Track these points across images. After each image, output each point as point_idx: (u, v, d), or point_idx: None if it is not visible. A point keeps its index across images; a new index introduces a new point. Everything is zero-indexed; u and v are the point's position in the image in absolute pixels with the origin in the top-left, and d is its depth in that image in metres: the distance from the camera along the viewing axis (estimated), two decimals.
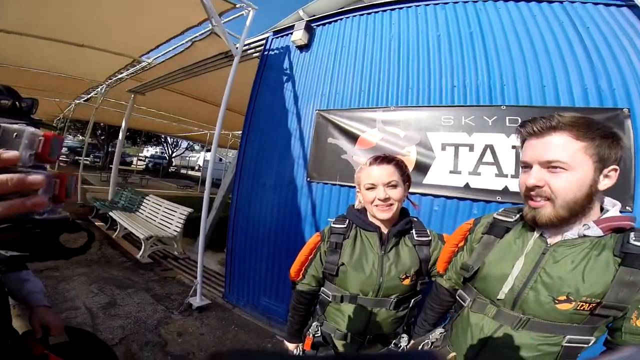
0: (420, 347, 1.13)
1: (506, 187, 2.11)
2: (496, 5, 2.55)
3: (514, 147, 2.12)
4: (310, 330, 1.32)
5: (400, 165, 1.19)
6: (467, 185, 2.23)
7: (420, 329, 1.21)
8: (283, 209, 3.10)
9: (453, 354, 0.98)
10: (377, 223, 1.22)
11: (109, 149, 21.38)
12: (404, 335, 1.26)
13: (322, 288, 1.30)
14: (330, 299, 1.25)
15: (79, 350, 1.13)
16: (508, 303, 0.87)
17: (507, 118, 2.17)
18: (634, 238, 0.76)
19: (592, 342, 0.80)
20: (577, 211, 0.78)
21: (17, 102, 1.05)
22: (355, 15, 3.20)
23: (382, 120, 2.64)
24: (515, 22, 2.44)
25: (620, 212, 1.87)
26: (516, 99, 2.25)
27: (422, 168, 2.41)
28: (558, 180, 0.77)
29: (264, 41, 3.83)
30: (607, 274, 0.76)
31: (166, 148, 26.71)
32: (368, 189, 1.16)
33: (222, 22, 3.28)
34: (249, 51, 3.99)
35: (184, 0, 3.07)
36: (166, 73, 5.33)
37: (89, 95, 8.12)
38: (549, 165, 0.78)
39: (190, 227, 5.05)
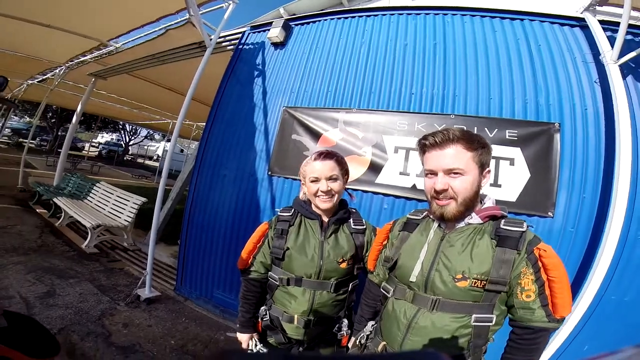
0: (358, 341, 1.23)
1: None
2: (463, 18, 2.78)
3: None
4: (259, 314, 1.39)
5: (340, 161, 1.32)
6: (414, 187, 2.41)
7: (359, 325, 1.29)
8: (242, 202, 3.10)
9: (383, 343, 1.09)
10: (319, 212, 1.34)
11: (59, 133, 19.73)
12: (345, 320, 1.36)
13: (270, 273, 1.37)
14: (277, 283, 1.33)
15: (18, 336, 1.08)
16: (421, 286, 1.01)
17: (454, 126, 2.36)
18: (503, 223, 0.96)
19: (494, 319, 0.94)
20: (469, 205, 0.98)
21: None
22: (332, 18, 3.33)
23: (344, 120, 2.77)
24: (477, 36, 2.67)
25: (540, 216, 2.14)
26: (465, 109, 2.47)
27: (375, 168, 2.55)
28: (457, 182, 0.96)
29: (239, 35, 3.85)
30: (488, 254, 0.94)
31: (123, 135, 25.21)
32: (312, 181, 1.28)
33: (200, 12, 3.24)
34: (223, 43, 3.98)
35: None
36: (133, 59, 5.12)
37: (44, 77, 7.57)
38: (450, 172, 0.96)
39: (143, 218, 4.85)
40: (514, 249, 0.92)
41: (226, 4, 3.30)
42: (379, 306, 1.25)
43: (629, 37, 2.27)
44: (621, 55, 2.13)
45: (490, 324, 0.95)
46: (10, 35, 4.69)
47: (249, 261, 1.38)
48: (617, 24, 2.15)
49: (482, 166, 0.98)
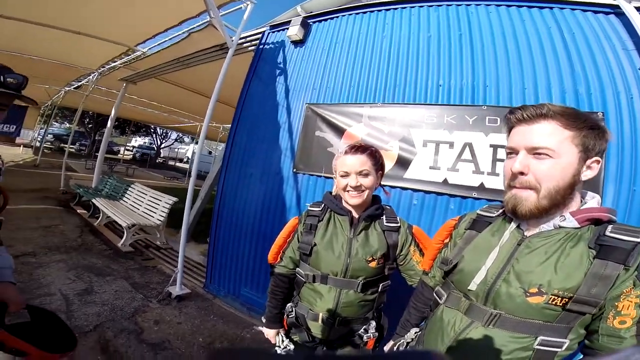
0: (395, 348, 1.13)
1: (482, 183, 2.18)
2: (488, 9, 2.64)
3: (491, 145, 2.20)
4: (285, 310, 1.38)
5: (373, 155, 1.25)
6: (445, 181, 2.30)
7: (402, 329, 1.19)
8: (269, 200, 3.13)
9: None
10: (349, 208, 1.28)
11: (96, 138, 20.99)
12: (372, 322, 1.31)
13: (297, 269, 1.35)
14: (304, 279, 1.30)
15: (39, 331, 1.11)
16: (481, 296, 0.84)
17: (487, 118, 2.26)
18: (610, 230, 0.73)
19: (566, 345, 0.74)
20: (558, 201, 0.76)
21: (1, 77, 1.07)
22: (351, 14, 3.27)
23: (368, 115, 2.71)
24: (504, 26, 2.53)
25: None
26: (497, 99, 2.34)
27: (403, 163, 2.47)
28: (542, 165, 0.75)
29: (259, 35, 3.87)
30: (581, 267, 0.73)
31: (155, 139, 26.33)
32: (342, 176, 1.23)
33: (220, 14, 3.28)
34: (244, 44, 4.02)
35: None
36: (160, 63, 5.29)
37: (79, 83, 8.02)
38: (535, 152, 0.76)
39: (174, 217, 5.03)
40: (621, 263, 0.69)
41: (244, 4, 3.34)
42: (428, 312, 1.11)
43: None
44: None
45: (559, 349, 0.74)
46: (48, 44, 4.97)
47: (279, 256, 1.38)
48: None
49: (586, 152, 0.75)
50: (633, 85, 2.10)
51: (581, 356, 0.76)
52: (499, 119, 2.21)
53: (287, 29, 3.46)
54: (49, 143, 17.98)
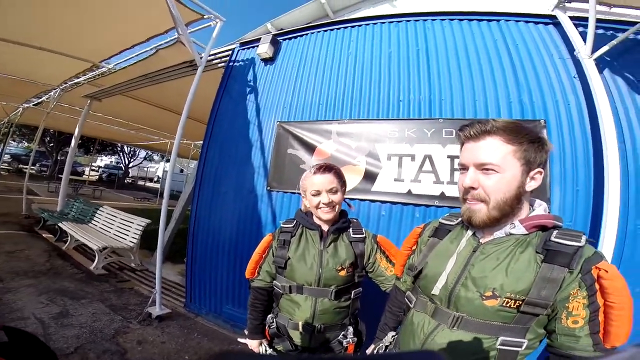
0: (376, 351, 1.19)
1: (443, 192, 2.37)
2: (442, 23, 2.86)
3: (449, 156, 2.39)
4: (266, 321, 1.46)
5: (338, 174, 1.39)
6: (409, 192, 2.47)
7: (381, 333, 1.25)
8: (244, 218, 3.17)
9: None
10: (319, 222, 1.41)
11: (58, 158, 19.81)
12: (350, 327, 1.42)
13: (274, 281, 1.45)
14: (281, 291, 1.40)
15: (17, 352, 1.07)
16: (444, 300, 0.89)
17: (444, 130, 2.45)
18: (555, 235, 0.78)
19: (525, 344, 0.79)
20: (507, 211, 0.82)
21: None
22: (319, 31, 3.40)
23: (337, 132, 2.84)
24: (457, 40, 2.74)
25: None
26: (452, 112, 2.53)
27: (370, 177, 2.62)
28: (489, 181, 0.81)
29: (229, 52, 3.92)
30: (529, 271, 0.78)
31: (122, 157, 24.99)
32: (314, 195, 1.35)
33: (189, 31, 3.31)
34: (214, 61, 4.04)
35: (151, 9, 3.09)
36: (127, 79, 5.22)
37: (39, 100, 7.65)
38: (482, 167, 0.82)
39: (148, 239, 4.96)
40: (565, 266, 0.75)
41: (213, 22, 3.36)
42: (402, 316, 1.16)
43: (601, 31, 2.33)
44: (595, 49, 2.19)
45: (520, 349, 0.80)
46: (3, 58, 4.78)
47: (256, 270, 1.47)
48: (588, 19, 2.20)
49: (528, 164, 0.81)
50: (570, 93, 2.33)
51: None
52: (454, 131, 2.40)
53: (257, 46, 3.54)
54: (6, 164, 16.83)
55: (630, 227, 2.01)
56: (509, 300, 0.78)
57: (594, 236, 2.00)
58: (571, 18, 2.44)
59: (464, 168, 0.88)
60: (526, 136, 0.81)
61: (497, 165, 0.80)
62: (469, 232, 0.93)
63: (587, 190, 2.15)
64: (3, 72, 5.60)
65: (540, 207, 0.88)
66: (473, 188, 0.84)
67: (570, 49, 2.40)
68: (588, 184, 2.16)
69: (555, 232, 0.80)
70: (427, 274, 0.97)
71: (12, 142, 20.49)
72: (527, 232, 0.83)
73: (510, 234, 0.84)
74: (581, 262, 0.75)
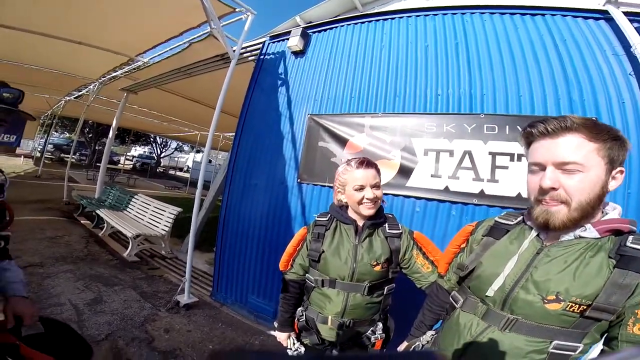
0: (411, 349, 1.16)
1: (482, 190, 2.25)
2: (482, 17, 2.71)
3: (490, 153, 2.27)
4: (295, 314, 1.47)
5: (378, 169, 1.36)
6: (446, 189, 2.36)
7: (416, 331, 1.22)
8: (273, 209, 3.18)
9: None
10: (354, 217, 1.37)
11: (96, 147, 21.04)
12: (379, 323, 1.39)
13: (307, 275, 1.43)
14: (313, 284, 1.39)
15: (53, 342, 1.12)
16: (498, 302, 0.85)
17: (485, 126, 2.32)
18: (631, 241, 0.74)
19: (580, 349, 0.76)
20: (588, 212, 0.77)
21: None
22: (349, 24, 3.33)
23: (369, 125, 2.77)
24: (499, 34, 2.60)
25: None
26: (494, 107, 2.40)
27: (405, 172, 2.53)
28: (572, 180, 0.75)
29: (260, 45, 3.93)
30: (599, 276, 0.74)
31: (155, 148, 26.35)
32: (356, 189, 1.30)
33: (221, 25, 3.33)
34: (245, 54, 4.07)
35: (184, 2, 3.14)
36: (161, 73, 5.36)
37: (80, 93, 8.07)
38: (563, 166, 0.76)
39: (178, 227, 5.09)
40: None
41: (245, 15, 3.37)
42: (444, 315, 1.13)
43: None
44: None
45: (573, 353, 0.76)
46: (48, 53, 5.03)
47: (289, 263, 1.46)
48: None
49: (612, 163, 0.76)
50: (624, 90, 2.16)
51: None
52: (496, 127, 2.28)
53: (287, 39, 3.52)
54: (49, 153, 17.98)
55: None
56: (573, 305, 0.75)
57: None
58: (625, 14, 2.26)
59: (537, 167, 0.81)
60: (609, 133, 0.75)
61: (581, 164, 0.74)
62: (533, 233, 0.87)
63: (639, 193, 1.99)
64: (47, 66, 5.91)
65: (614, 211, 0.82)
66: (553, 189, 0.77)
67: (625, 45, 2.22)
68: None
69: (631, 238, 0.74)
70: (481, 275, 0.93)
71: (55, 132, 21.85)
72: (599, 236, 0.78)
73: (581, 237, 0.79)
74: None
